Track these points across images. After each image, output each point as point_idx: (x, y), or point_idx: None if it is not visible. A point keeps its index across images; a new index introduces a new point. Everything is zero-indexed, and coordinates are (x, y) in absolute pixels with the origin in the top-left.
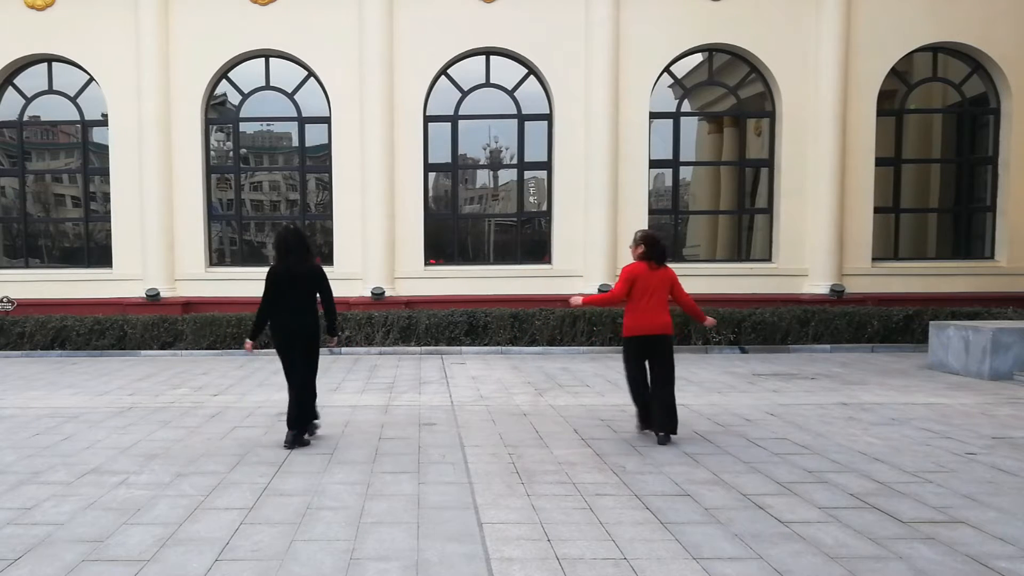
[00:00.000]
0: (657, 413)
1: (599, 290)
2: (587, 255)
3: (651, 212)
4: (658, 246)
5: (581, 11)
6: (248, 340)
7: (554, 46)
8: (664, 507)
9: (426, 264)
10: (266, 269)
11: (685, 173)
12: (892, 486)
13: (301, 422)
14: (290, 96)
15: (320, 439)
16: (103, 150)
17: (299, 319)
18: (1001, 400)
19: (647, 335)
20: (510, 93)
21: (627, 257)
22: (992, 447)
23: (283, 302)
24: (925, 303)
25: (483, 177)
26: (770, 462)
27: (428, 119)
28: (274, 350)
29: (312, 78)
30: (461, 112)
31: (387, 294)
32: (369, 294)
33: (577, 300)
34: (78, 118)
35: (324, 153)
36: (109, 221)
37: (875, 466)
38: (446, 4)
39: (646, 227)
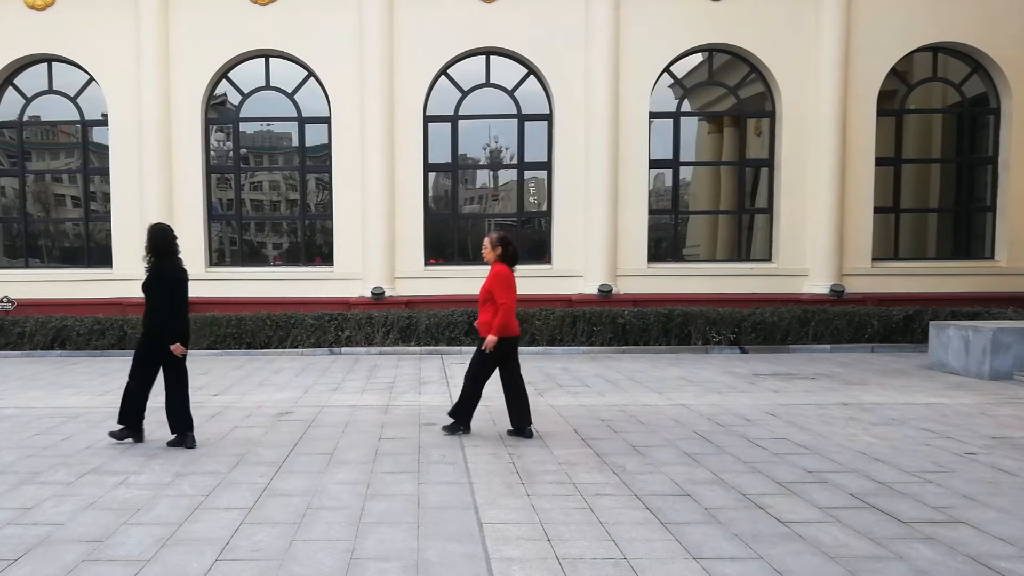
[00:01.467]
0: (521, 409)
1: (599, 290)
2: (587, 255)
3: (651, 212)
4: (513, 247)
5: (581, 11)
6: (180, 345)
7: (554, 46)
8: (664, 507)
9: (426, 264)
10: (266, 269)
11: (685, 173)
12: (892, 486)
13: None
14: (290, 96)
15: (320, 439)
16: (103, 150)
17: (187, 320)
18: (1001, 400)
19: (517, 336)
20: (510, 93)
21: (627, 257)
22: (992, 447)
23: (178, 304)
24: (925, 303)
25: (483, 177)
26: (770, 462)
27: (428, 119)
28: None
29: (312, 78)
30: (461, 112)
31: (387, 294)
32: (369, 294)
33: (492, 340)
34: (78, 118)
35: (324, 153)
36: (109, 221)
37: (875, 466)
38: (446, 4)
39: (646, 228)
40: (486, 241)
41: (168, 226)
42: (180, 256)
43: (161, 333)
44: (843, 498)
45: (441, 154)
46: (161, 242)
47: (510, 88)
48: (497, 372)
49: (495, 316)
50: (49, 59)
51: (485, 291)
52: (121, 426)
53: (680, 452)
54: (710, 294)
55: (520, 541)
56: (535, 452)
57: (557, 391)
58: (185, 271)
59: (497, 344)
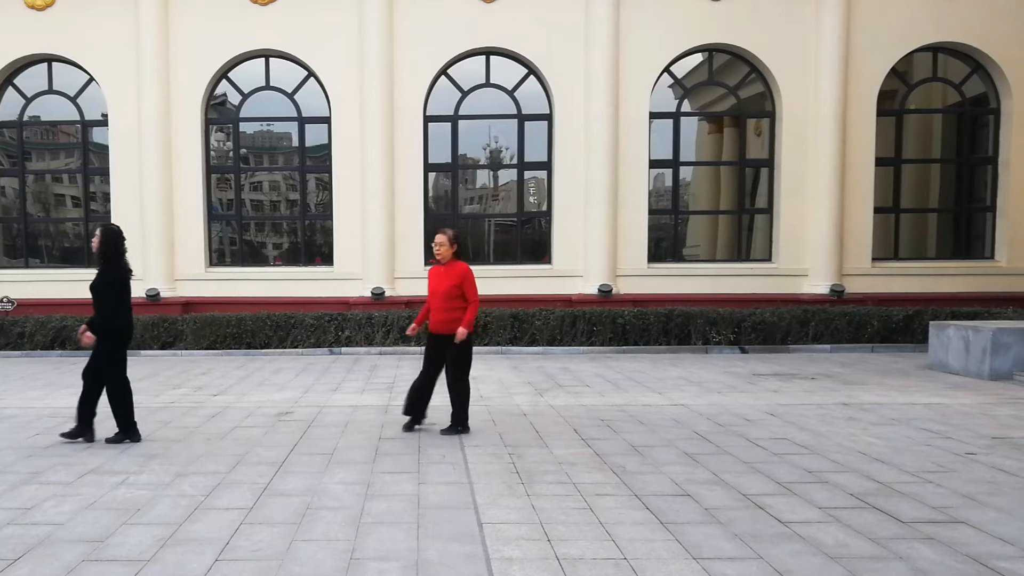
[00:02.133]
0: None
1: (599, 290)
2: (587, 255)
3: (651, 212)
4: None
5: (581, 11)
6: (89, 334)
7: (554, 46)
8: (664, 507)
9: (426, 264)
10: (266, 269)
11: (685, 173)
12: (892, 486)
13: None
14: (290, 96)
15: (320, 439)
16: (103, 150)
17: (131, 318)
18: (1001, 400)
19: None
20: (510, 93)
21: (627, 257)
22: (992, 447)
23: (127, 302)
24: (925, 303)
25: (483, 177)
26: (770, 462)
27: (428, 119)
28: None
29: (312, 78)
30: (461, 112)
31: (387, 294)
32: (369, 294)
33: (463, 333)
34: (78, 118)
35: (324, 153)
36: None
37: (875, 466)
38: (446, 4)
39: (646, 228)
40: (443, 238)
41: (119, 228)
42: (127, 257)
43: (105, 329)
44: (843, 498)
45: (441, 154)
46: (113, 246)
47: (510, 88)
48: (436, 370)
49: (466, 312)
50: (49, 59)
51: (454, 288)
52: (116, 431)
53: (680, 452)
54: (710, 294)
55: (520, 541)
56: (535, 452)
57: (557, 391)
58: (131, 271)
59: (467, 338)
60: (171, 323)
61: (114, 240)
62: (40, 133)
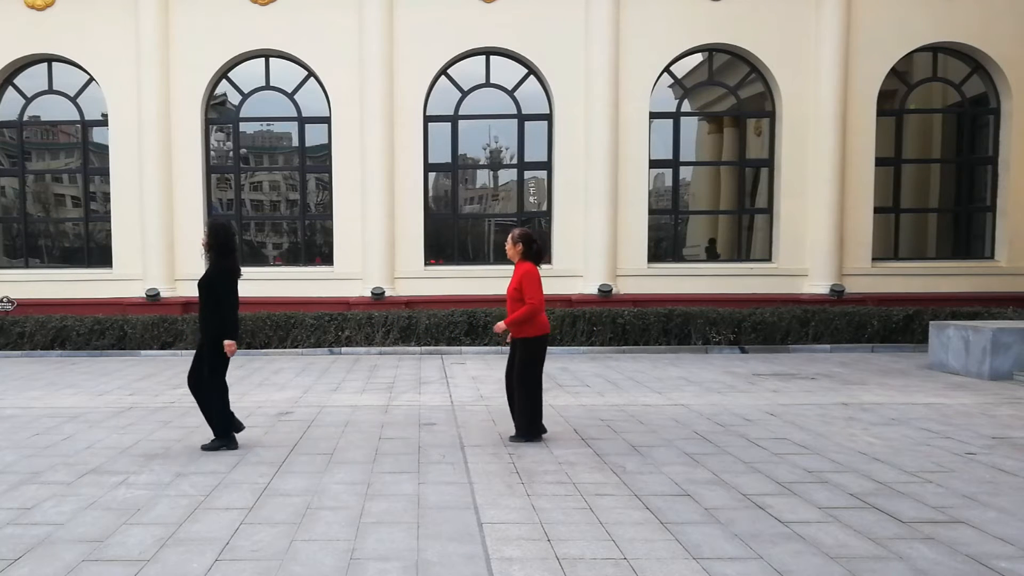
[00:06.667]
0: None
1: (599, 290)
2: (587, 255)
3: (651, 212)
4: (537, 244)
5: (581, 11)
6: (231, 342)
7: (554, 46)
8: (664, 507)
9: (426, 264)
10: (266, 269)
11: (685, 173)
12: (892, 486)
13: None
14: (290, 96)
15: (320, 439)
16: (103, 150)
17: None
18: (1001, 400)
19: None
20: (510, 93)
21: (627, 257)
22: (992, 447)
23: (236, 301)
24: (925, 303)
25: (483, 177)
26: (770, 462)
27: (428, 119)
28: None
29: (312, 78)
30: (461, 112)
31: (387, 294)
32: (369, 294)
33: (501, 326)
34: (78, 118)
35: (324, 153)
36: (109, 221)
37: (875, 466)
38: (446, 4)
39: (646, 228)
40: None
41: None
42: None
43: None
44: (843, 498)
45: (441, 154)
46: (234, 240)
47: (510, 88)
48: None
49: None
50: (49, 59)
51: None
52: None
53: (680, 452)
54: (710, 294)
55: (520, 541)
56: (535, 452)
57: (557, 391)
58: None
59: (541, 340)
60: (171, 323)
61: (232, 235)
62: (40, 133)
